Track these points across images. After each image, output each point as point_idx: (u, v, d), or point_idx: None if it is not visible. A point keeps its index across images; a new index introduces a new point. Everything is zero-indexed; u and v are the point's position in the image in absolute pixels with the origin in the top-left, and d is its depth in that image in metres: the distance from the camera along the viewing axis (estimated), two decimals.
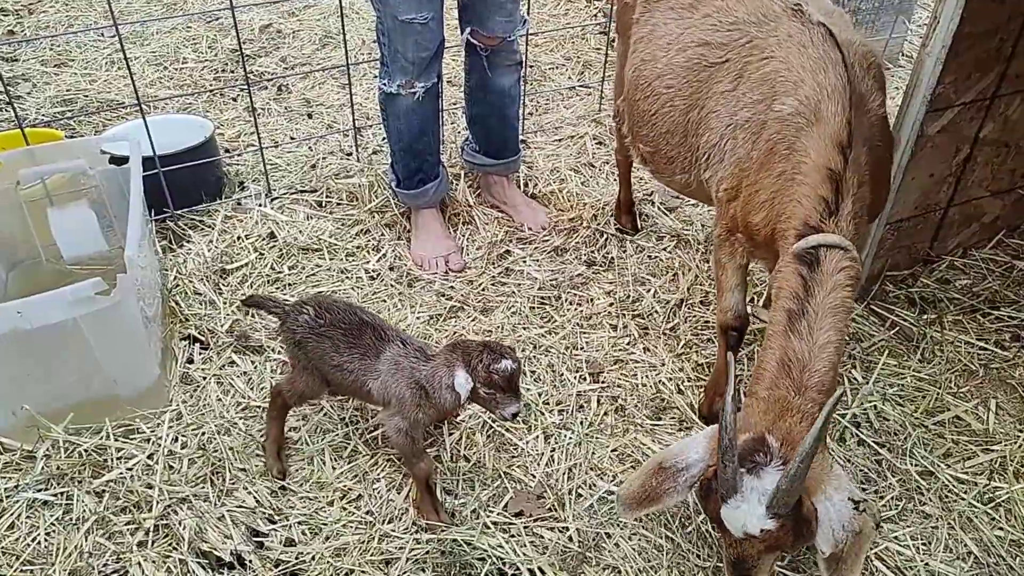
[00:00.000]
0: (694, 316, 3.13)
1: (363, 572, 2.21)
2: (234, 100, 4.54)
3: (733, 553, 1.98)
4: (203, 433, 2.57)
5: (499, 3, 3.11)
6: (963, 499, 2.45)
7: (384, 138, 4.06)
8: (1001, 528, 2.38)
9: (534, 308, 3.15)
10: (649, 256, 3.45)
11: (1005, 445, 2.62)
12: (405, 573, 2.20)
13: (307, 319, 2.34)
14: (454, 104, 4.28)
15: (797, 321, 2.02)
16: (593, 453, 2.57)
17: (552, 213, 3.66)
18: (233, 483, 2.43)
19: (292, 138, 4.14)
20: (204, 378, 2.77)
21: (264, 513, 2.35)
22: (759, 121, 2.30)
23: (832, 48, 2.21)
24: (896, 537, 2.34)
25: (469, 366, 2.15)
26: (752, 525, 1.87)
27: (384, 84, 3.13)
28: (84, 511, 2.32)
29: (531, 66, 4.80)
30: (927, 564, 2.27)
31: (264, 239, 3.39)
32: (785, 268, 2.11)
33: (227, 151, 3.98)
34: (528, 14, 3.32)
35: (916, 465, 2.55)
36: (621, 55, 3.06)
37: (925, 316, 3.12)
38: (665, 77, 2.59)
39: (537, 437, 2.62)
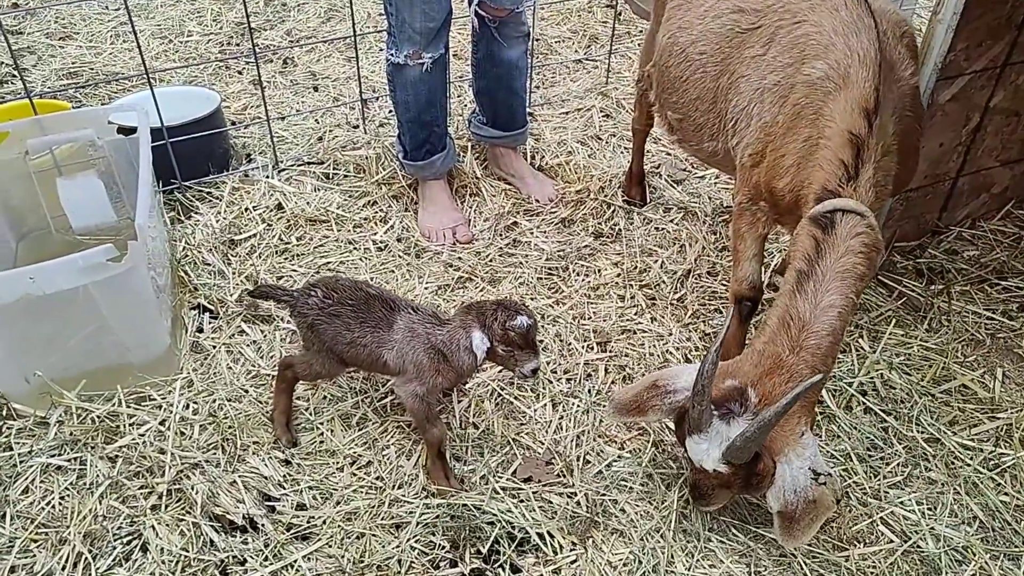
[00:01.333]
0: (701, 287, 3.14)
1: (374, 536, 2.23)
2: (240, 73, 4.53)
3: (692, 476, 2.18)
4: (214, 400, 2.59)
5: None
6: (969, 465, 2.47)
7: (391, 110, 4.06)
8: (1006, 493, 2.40)
9: (542, 279, 3.16)
10: (656, 228, 3.45)
11: (1011, 413, 2.63)
12: (415, 536, 2.23)
13: (316, 301, 2.35)
14: (461, 77, 4.27)
15: (805, 282, 2.04)
16: (601, 420, 2.59)
17: (559, 185, 3.66)
18: (244, 449, 2.46)
19: (298, 111, 4.13)
20: (214, 347, 2.79)
21: (275, 479, 2.38)
22: (787, 84, 2.29)
23: (865, 13, 2.19)
24: (902, 502, 2.36)
25: (485, 325, 2.17)
26: (707, 463, 2.04)
27: (391, 55, 3.12)
28: (98, 476, 2.35)
29: (538, 39, 4.78)
30: (933, 528, 2.29)
31: (272, 210, 3.40)
32: (801, 231, 2.12)
33: (233, 123, 3.97)
34: None
35: (923, 432, 2.57)
36: (655, 21, 3.05)
37: (933, 286, 3.12)
38: (699, 43, 2.58)
39: (545, 405, 2.64)
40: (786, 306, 2.06)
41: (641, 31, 5.06)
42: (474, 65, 3.50)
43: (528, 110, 3.85)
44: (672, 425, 2.26)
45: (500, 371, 2.73)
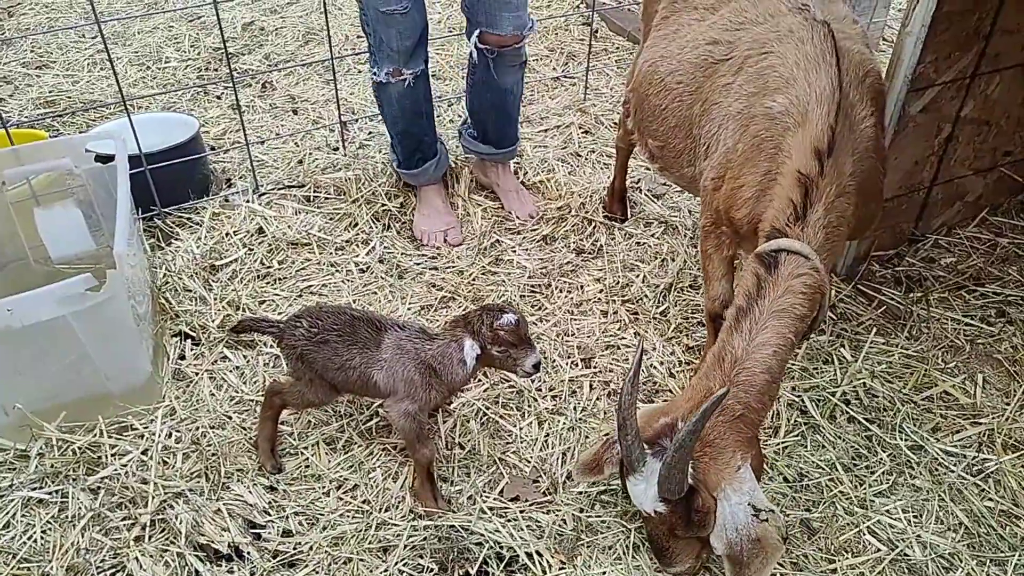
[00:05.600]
0: (683, 300, 3.15)
1: (361, 560, 2.22)
2: (218, 98, 4.53)
3: (645, 529, 2.14)
4: (197, 428, 2.57)
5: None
6: (953, 471, 2.49)
7: (370, 132, 4.09)
8: (990, 499, 2.42)
9: (524, 296, 3.17)
10: (638, 243, 3.47)
11: (992, 418, 2.66)
12: (403, 560, 2.22)
13: (303, 332, 2.34)
14: (439, 97, 4.28)
15: (742, 319, 2.04)
16: (587, 437, 2.59)
17: (541, 202, 3.67)
18: (228, 477, 2.43)
19: (278, 134, 4.13)
20: (196, 374, 2.77)
21: (260, 506, 2.36)
22: (748, 114, 2.31)
23: (829, 50, 2.19)
24: (888, 510, 2.37)
25: (473, 332, 2.18)
26: (647, 504, 1.99)
27: (374, 74, 3.19)
28: (80, 508, 2.32)
29: None
30: (919, 536, 2.30)
31: (253, 235, 3.39)
32: (746, 268, 2.12)
33: (213, 148, 3.97)
34: None
35: (906, 440, 2.59)
36: (643, 46, 3.08)
37: (911, 294, 3.16)
38: (677, 73, 2.62)
39: (531, 423, 2.64)
40: (722, 342, 2.05)
41: (618, 48, 5.11)
42: (470, 85, 3.53)
43: None
44: (619, 477, 2.19)
45: (485, 389, 2.73)
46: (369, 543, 2.26)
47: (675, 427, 1.99)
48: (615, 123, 4.19)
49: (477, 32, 3.17)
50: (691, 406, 2.01)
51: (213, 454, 2.48)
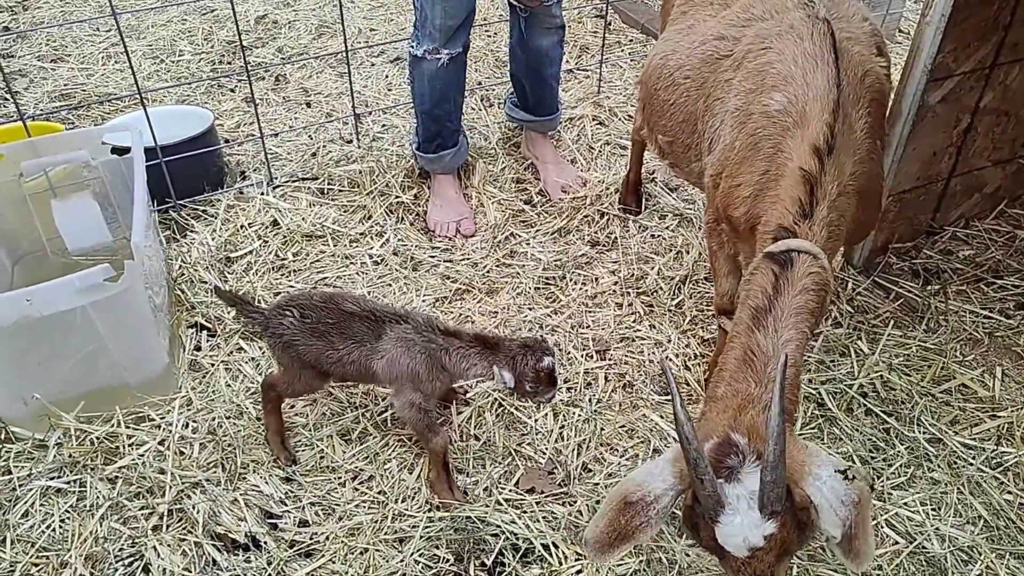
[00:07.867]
0: (698, 292, 3.14)
1: (377, 551, 2.22)
2: (232, 91, 4.53)
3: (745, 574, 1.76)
4: (213, 419, 2.58)
5: None
6: (971, 464, 2.47)
7: (384, 124, 4.09)
8: (1009, 492, 2.40)
9: (539, 288, 3.16)
10: (652, 235, 3.45)
11: (1011, 411, 2.63)
12: (419, 550, 2.22)
13: (292, 321, 2.32)
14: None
15: (763, 317, 1.98)
16: (602, 429, 2.59)
17: (583, 174, 3.73)
18: (244, 467, 2.44)
19: (291, 127, 4.14)
20: (212, 365, 2.78)
21: (276, 496, 2.37)
22: (746, 111, 2.29)
23: (828, 49, 2.15)
24: (906, 503, 2.35)
25: (514, 368, 2.21)
26: (754, 535, 1.69)
27: (412, 47, 3.24)
28: (98, 497, 2.34)
29: None
30: (937, 529, 2.29)
31: (267, 227, 3.40)
32: (758, 269, 2.07)
33: (227, 141, 3.98)
34: None
35: (924, 433, 2.57)
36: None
37: (929, 287, 3.13)
38: (684, 68, 2.61)
39: (546, 415, 2.63)
40: (746, 343, 1.98)
41: (631, 40, 5.08)
42: (509, 48, 3.63)
43: None
44: (689, 534, 1.88)
45: None
46: (385, 534, 2.26)
47: (731, 441, 1.77)
48: (629, 116, 4.18)
49: None
50: (732, 414, 1.85)
51: (229, 444, 2.49)
